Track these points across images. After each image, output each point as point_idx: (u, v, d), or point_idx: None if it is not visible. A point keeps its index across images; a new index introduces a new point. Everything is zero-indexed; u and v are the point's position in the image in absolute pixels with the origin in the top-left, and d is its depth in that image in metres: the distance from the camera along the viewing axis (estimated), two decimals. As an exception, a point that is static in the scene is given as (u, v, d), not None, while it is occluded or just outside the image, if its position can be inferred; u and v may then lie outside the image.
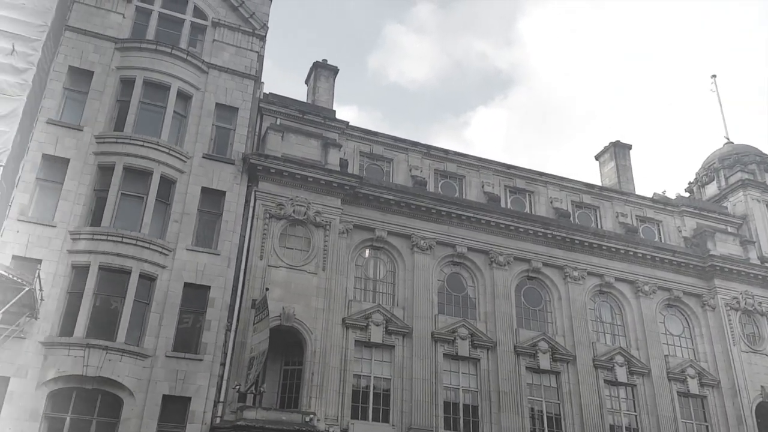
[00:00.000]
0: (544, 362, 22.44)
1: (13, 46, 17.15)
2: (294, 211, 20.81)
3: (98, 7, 21.13)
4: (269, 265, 19.90)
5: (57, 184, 18.49)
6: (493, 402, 21.32)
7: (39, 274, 16.14)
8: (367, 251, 22.42)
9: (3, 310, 15.39)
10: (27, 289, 15.37)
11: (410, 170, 24.60)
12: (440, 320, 21.96)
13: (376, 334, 20.79)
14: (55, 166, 18.69)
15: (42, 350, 16.52)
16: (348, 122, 23.83)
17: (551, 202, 26.03)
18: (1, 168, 16.18)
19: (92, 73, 20.14)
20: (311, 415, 18.10)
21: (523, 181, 26.40)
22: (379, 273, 22.31)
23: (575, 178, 27.10)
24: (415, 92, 72.45)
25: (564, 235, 24.33)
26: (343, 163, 22.71)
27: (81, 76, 20.10)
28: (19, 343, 16.34)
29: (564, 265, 24.19)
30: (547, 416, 21.98)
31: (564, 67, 76.73)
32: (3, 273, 15.06)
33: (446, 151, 25.76)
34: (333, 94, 25.09)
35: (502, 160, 26.93)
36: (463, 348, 21.73)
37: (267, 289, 18.89)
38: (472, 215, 23.50)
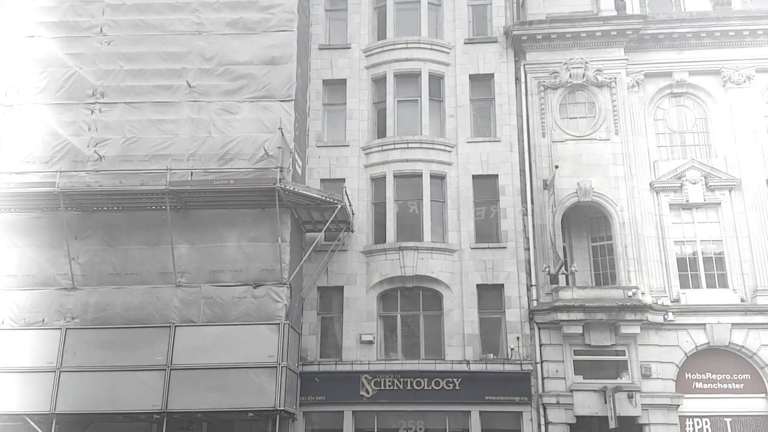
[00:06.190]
0: None
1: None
2: (571, 76, 18.84)
3: None
4: (553, 141, 18.58)
5: (341, 106, 19.62)
6: None
7: (345, 191, 17.63)
8: (667, 101, 19.36)
9: (325, 228, 17.41)
10: (339, 206, 16.95)
11: (706, -11, 20.13)
12: (776, 163, 18.28)
13: (695, 194, 18.18)
14: (336, 88, 19.79)
15: (364, 259, 18.27)
16: (616, -46, 20.23)
17: None
18: (293, 102, 17.71)
19: (347, -14, 20.37)
20: (633, 290, 16.95)
21: None
22: (686, 123, 19.18)
23: None
24: None
25: None
26: (620, 6, 19.53)
27: (338, -7, 20.51)
28: (344, 255, 18.30)
29: None
30: None
31: None
32: (317, 196, 16.86)
33: (753, -49, 20.36)
34: (591, -73, 21.35)
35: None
36: (815, 191, 17.86)
37: (556, 167, 17.79)
38: (802, 25, 18.48)
